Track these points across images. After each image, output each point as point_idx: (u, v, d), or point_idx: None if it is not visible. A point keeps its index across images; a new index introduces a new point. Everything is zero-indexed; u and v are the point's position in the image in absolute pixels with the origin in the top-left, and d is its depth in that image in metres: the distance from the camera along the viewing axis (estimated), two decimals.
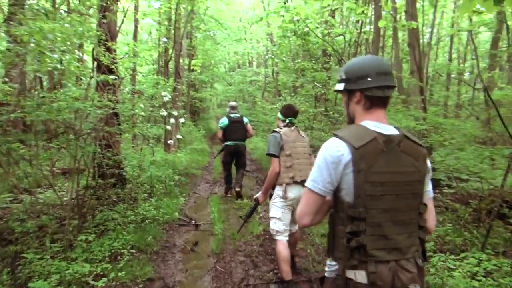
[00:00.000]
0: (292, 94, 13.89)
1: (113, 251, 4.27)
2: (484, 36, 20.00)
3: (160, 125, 8.21)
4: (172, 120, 8.85)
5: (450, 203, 6.48)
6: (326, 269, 1.72)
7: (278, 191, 3.63)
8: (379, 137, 1.56)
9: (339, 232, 1.61)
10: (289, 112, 3.89)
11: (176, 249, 4.85)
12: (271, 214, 3.69)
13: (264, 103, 14.29)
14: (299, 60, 10.01)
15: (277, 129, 3.76)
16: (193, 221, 6.07)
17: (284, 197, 3.55)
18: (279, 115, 3.95)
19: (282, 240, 3.56)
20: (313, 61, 8.59)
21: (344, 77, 1.73)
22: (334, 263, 1.66)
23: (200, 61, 21.62)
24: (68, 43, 3.95)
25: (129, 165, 7.66)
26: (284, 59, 11.36)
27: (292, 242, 3.88)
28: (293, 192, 3.58)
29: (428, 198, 1.72)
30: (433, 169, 7.89)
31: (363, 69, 1.66)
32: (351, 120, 1.77)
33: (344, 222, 1.58)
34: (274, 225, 3.63)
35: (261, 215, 6.38)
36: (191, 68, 20.88)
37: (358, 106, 1.70)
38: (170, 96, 7.85)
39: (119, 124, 7.19)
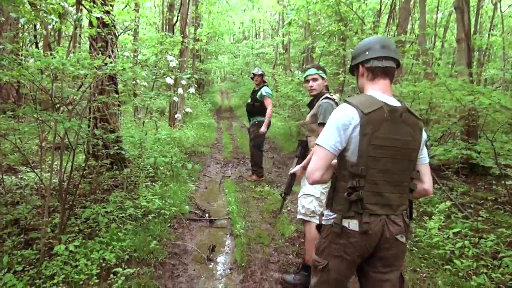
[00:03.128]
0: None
1: (103, 265, 3.12)
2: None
3: (166, 95, 6.92)
4: (180, 90, 7.60)
5: None
6: (324, 218, 1.92)
7: None
8: (385, 106, 1.74)
9: (340, 188, 1.82)
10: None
11: (188, 258, 3.71)
12: (306, 191, 3.18)
13: (282, 74, 12.91)
14: (325, 24, 8.64)
15: (329, 95, 3.23)
16: (207, 215, 4.93)
17: None
18: (324, 75, 3.35)
19: (314, 222, 3.05)
20: (345, 25, 7.26)
21: (351, 57, 2.00)
22: (332, 213, 1.86)
23: (206, 31, 20.27)
24: None
25: (129, 143, 6.49)
26: (309, 21, 9.94)
27: None
28: None
29: (423, 163, 1.91)
30: (478, 152, 6.74)
31: (362, 46, 1.91)
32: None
33: (346, 178, 1.78)
34: (310, 204, 3.13)
35: (288, 208, 5.24)
36: (197, 37, 19.54)
37: (363, 78, 1.90)
38: (177, 61, 6.58)
39: (116, 93, 5.97)
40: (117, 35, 5.70)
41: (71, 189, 4.85)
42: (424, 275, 3.36)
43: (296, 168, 3.06)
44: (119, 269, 2.98)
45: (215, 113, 18.83)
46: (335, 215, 1.82)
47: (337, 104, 3.15)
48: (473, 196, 5.65)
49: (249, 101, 6.76)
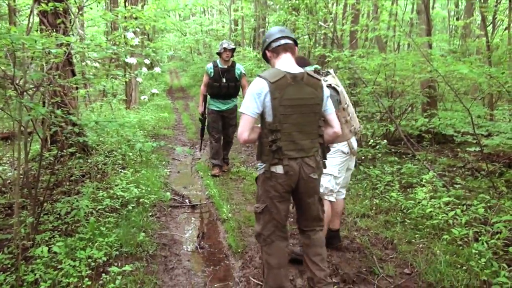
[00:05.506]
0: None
1: (92, 264, 2.83)
2: None
3: (121, 75, 6.32)
4: (145, 70, 7.15)
5: (480, 164, 5.51)
6: (257, 170, 2.46)
7: (342, 147, 3.14)
8: (287, 74, 2.26)
9: (265, 143, 2.32)
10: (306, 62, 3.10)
11: (178, 248, 3.49)
12: (326, 171, 2.96)
13: (242, 50, 12.48)
14: None
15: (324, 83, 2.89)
16: (187, 200, 4.70)
17: (353, 152, 3.22)
18: (310, 68, 2.92)
19: (331, 201, 3.20)
20: None
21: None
22: (261, 164, 2.39)
23: (154, 7, 19.33)
24: None
25: (89, 128, 6.02)
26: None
27: (339, 211, 3.40)
28: (355, 144, 3.26)
29: (330, 113, 2.48)
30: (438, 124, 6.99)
31: (264, 37, 2.52)
32: None
33: (267, 135, 2.29)
34: (329, 183, 3.13)
35: None
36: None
37: (272, 59, 2.46)
38: (139, 39, 6.13)
39: (74, 75, 5.47)
40: (72, 10, 5.16)
41: (33, 182, 4.43)
42: (421, 245, 3.39)
43: None
44: (115, 268, 2.71)
45: (168, 94, 18.15)
46: (264, 164, 2.33)
47: (334, 89, 3.03)
48: (443, 165, 5.82)
49: (224, 81, 5.45)
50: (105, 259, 2.91)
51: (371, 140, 5.21)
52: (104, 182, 4.70)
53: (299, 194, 2.40)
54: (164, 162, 6.30)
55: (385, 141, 5.37)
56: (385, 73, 6.52)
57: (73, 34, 5.12)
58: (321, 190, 3.04)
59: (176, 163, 6.61)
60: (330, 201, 3.17)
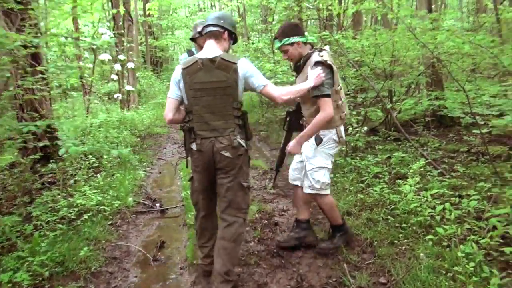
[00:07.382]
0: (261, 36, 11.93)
1: None
2: None
3: (71, 66, 5.94)
4: (118, 66, 6.80)
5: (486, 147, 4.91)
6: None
7: (332, 135, 2.87)
8: (199, 60, 2.40)
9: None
10: (299, 30, 2.91)
11: (130, 261, 3.13)
12: (320, 164, 2.88)
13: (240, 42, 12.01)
14: None
15: (319, 57, 2.73)
16: (158, 205, 4.34)
17: (342, 142, 2.96)
18: (298, 39, 2.82)
19: (327, 194, 2.97)
20: None
21: None
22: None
23: (157, 5, 19.03)
24: None
25: (67, 132, 5.74)
26: None
27: (306, 200, 3.15)
28: (343, 133, 2.98)
29: (261, 89, 2.46)
30: (445, 107, 6.44)
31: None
32: None
33: (185, 117, 2.53)
34: (324, 177, 2.89)
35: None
36: (147, 13, 18.28)
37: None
38: (112, 34, 5.77)
39: (42, 74, 5.15)
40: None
41: None
42: (404, 247, 2.93)
43: (291, 146, 2.91)
44: None
45: None
46: (188, 141, 2.52)
47: (329, 67, 2.72)
48: (445, 150, 5.29)
49: None
50: (30, 283, 2.56)
51: (350, 128, 4.69)
52: (71, 189, 4.39)
53: (216, 174, 2.49)
54: (145, 163, 5.97)
55: (366, 128, 4.85)
56: (380, 53, 5.98)
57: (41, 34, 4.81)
58: (318, 186, 2.87)
59: (161, 163, 6.28)
60: (328, 193, 2.99)
